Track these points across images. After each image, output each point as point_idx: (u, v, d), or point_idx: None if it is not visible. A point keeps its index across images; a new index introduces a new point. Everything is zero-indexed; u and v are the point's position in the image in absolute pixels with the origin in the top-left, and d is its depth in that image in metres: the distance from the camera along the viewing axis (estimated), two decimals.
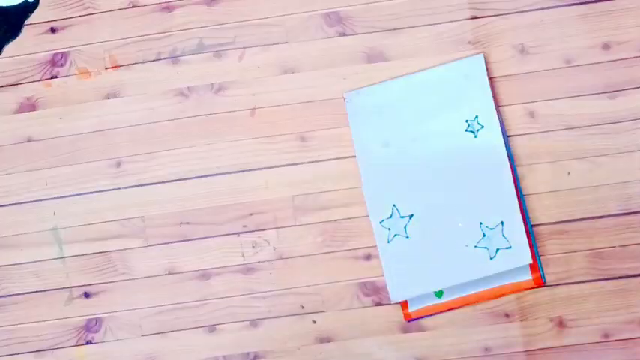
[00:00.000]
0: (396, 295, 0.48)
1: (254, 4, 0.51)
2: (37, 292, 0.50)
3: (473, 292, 0.48)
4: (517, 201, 0.47)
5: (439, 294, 0.47)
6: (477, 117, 0.48)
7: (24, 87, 0.51)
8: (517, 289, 0.48)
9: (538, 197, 0.49)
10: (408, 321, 0.49)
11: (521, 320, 0.48)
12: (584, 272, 0.49)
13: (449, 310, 0.48)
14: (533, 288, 0.48)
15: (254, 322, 0.49)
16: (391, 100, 0.48)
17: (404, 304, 0.48)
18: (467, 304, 0.48)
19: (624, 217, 0.49)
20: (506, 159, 0.47)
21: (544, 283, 0.47)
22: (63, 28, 0.51)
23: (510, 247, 0.47)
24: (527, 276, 0.48)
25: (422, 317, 0.48)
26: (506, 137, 0.48)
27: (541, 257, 0.48)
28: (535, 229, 0.48)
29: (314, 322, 0.49)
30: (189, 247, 0.50)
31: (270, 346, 0.49)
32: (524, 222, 0.47)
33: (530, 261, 0.47)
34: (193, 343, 0.49)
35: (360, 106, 0.49)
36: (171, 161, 0.50)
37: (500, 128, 0.48)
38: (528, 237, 0.47)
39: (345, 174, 0.49)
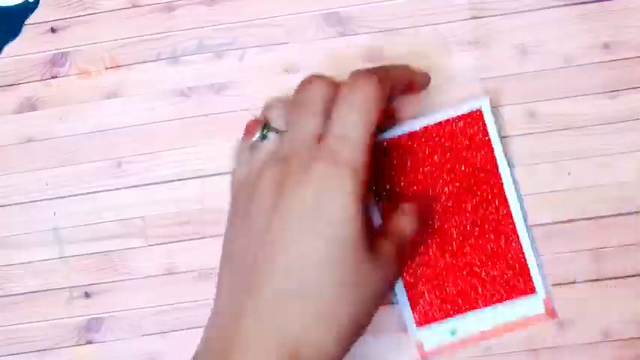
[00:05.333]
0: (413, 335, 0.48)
1: (254, 5, 0.51)
2: (37, 292, 0.50)
3: (485, 329, 0.47)
4: (530, 243, 0.47)
5: (453, 332, 0.47)
6: None
7: (24, 87, 0.51)
8: (530, 323, 0.48)
9: (538, 197, 0.49)
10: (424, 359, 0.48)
11: None
12: (585, 272, 0.49)
13: (464, 346, 0.48)
14: (547, 320, 0.48)
15: None
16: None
17: (419, 345, 0.48)
18: (482, 340, 0.48)
19: (625, 218, 0.49)
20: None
21: (556, 316, 0.47)
22: (63, 28, 0.51)
23: None
24: (541, 310, 0.47)
25: (438, 355, 0.48)
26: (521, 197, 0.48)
27: (541, 258, 0.48)
28: (535, 229, 0.48)
29: None
30: (190, 247, 0.50)
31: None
32: (535, 261, 0.47)
33: (544, 296, 0.47)
34: (193, 342, 0.49)
35: None
36: (171, 161, 0.50)
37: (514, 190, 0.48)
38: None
39: None
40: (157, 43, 0.51)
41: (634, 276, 0.49)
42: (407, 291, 0.47)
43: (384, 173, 0.47)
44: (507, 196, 0.47)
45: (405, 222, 0.43)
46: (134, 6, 0.51)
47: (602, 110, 0.49)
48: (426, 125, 0.47)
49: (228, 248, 0.42)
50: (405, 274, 0.46)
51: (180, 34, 0.51)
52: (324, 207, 0.38)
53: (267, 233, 0.39)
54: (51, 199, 0.51)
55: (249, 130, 0.43)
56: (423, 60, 0.49)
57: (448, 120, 0.47)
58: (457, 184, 0.47)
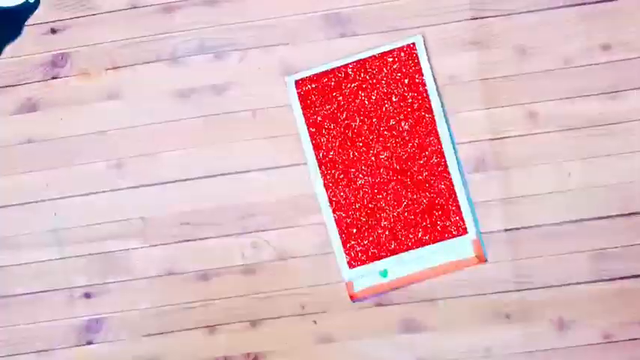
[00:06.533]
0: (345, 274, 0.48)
1: (255, 6, 0.51)
2: (37, 292, 0.50)
3: (417, 270, 0.48)
4: (460, 179, 0.48)
5: (384, 274, 0.48)
6: None
7: (24, 87, 0.51)
8: (460, 266, 0.49)
9: (539, 198, 0.49)
10: (353, 301, 0.49)
11: (521, 320, 0.48)
12: (585, 273, 0.49)
13: (394, 289, 0.48)
14: (476, 265, 0.48)
15: (254, 322, 0.49)
16: None
17: (349, 285, 0.48)
18: (411, 283, 0.48)
19: (625, 218, 0.49)
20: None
21: (486, 260, 0.48)
22: (63, 28, 0.51)
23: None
24: (471, 253, 0.48)
25: (367, 297, 0.48)
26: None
27: (541, 258, 0.48)
28: (536, 229, 0.48)
29: (314, 322, 0.49)
30: (190, 247, 0.50)
31: (270, 346, 0.49)
32: (467, 200, 0.48)
33: (474, 237, 0.47)
34: (193, 343, 0.49)
35: None
36: (171, 162, 0.50)
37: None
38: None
39: None
40: (157, 44, 0.51)
41: (635, 277, 0.48)
42: (340, 232, 0.47)
43: (320, 117, 0.48)
44: (439, 131, 0.47)
45: None
46: (134, 7, 0.51)
47: (602, 110, 0.49)
48: (358, 59, 0.49)
49: None
50: (340, 212, 0.47)
51: (180, 35, 0.51)
52: None
53: None
54: (51, 199, 0.51)
55: None
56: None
57: (381, 53, 0.48)
58: (386, 117, 0.47)
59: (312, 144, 0.48)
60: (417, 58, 0.48)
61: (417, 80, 0.48)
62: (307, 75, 0.49)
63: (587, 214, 0.48)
